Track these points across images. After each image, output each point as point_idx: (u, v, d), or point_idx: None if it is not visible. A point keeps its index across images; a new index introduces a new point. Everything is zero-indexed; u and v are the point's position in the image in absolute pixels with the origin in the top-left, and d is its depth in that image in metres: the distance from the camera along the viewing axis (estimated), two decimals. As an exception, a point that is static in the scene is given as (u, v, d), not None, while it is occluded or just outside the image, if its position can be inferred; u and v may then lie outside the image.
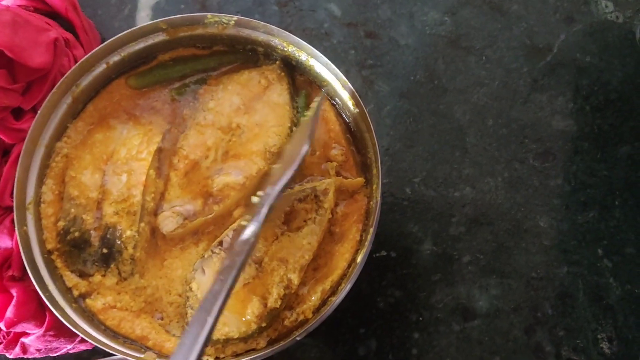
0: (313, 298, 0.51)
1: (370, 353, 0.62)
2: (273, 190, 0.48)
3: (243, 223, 0.47)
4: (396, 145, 0.66)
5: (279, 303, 0.50)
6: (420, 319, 0.62)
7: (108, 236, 0.52)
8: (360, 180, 0.54)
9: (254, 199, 0.48)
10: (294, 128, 0.55)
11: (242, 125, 0.55)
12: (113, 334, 0.52)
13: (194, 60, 0.57)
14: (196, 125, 0.55)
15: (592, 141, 0.66)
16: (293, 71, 0.57)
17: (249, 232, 0.46)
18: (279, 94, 0.56)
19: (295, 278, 0.50)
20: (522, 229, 0.64)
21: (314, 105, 0.53)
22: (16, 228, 0.51)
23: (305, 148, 0.49)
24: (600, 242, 0.63)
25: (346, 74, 0.54)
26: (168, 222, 0.53)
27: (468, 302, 0.62)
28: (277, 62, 0.56)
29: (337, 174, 0.55)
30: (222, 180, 0.53)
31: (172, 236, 0.53)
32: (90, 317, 0.52)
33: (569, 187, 0.65)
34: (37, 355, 0.59)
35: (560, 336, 0.61)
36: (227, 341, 0.50)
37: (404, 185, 0.65)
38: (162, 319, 0.53)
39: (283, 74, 0.56)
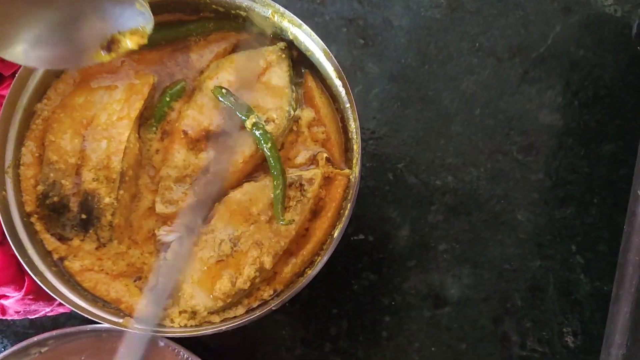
0: (285, 271, 0.52)
1: (341, 333, 0.63)
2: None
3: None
4: (382, 129, 0.66)
5: (247, 285, 0.50)
6: (393, 303, 0.63)
7: (87, 202, 0.52)
8: (347, 172, 0.53)
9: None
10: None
11: None
12: (92, 297, 0.52)
13: (180, 25, 0.55)
14: (194, 103, 0.54)
15: (577, 137, 0.66)
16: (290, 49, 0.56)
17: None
18: (279, 76, 0.54)
19: (268, 262, 0.50)
20: (499, 221, 0.64)
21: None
22: (-5, 193, 0.50)
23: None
24: (575, 238, 0.64)
25: (337, 52, 0.52)
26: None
27: (440, 290, 0.64)
28: (278, 44, 0.55)
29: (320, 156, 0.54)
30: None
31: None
32: (68, 279, 0.52)
33: (549, 182, 0.65)
34: (16, 317, 0.59)
35: (527, 327, 0.63)
36: (196, 313, 0.51)
37: (386, 171, 0.65)
38: (140, 279, 0.53)
39: (284, 56, 0.55)
